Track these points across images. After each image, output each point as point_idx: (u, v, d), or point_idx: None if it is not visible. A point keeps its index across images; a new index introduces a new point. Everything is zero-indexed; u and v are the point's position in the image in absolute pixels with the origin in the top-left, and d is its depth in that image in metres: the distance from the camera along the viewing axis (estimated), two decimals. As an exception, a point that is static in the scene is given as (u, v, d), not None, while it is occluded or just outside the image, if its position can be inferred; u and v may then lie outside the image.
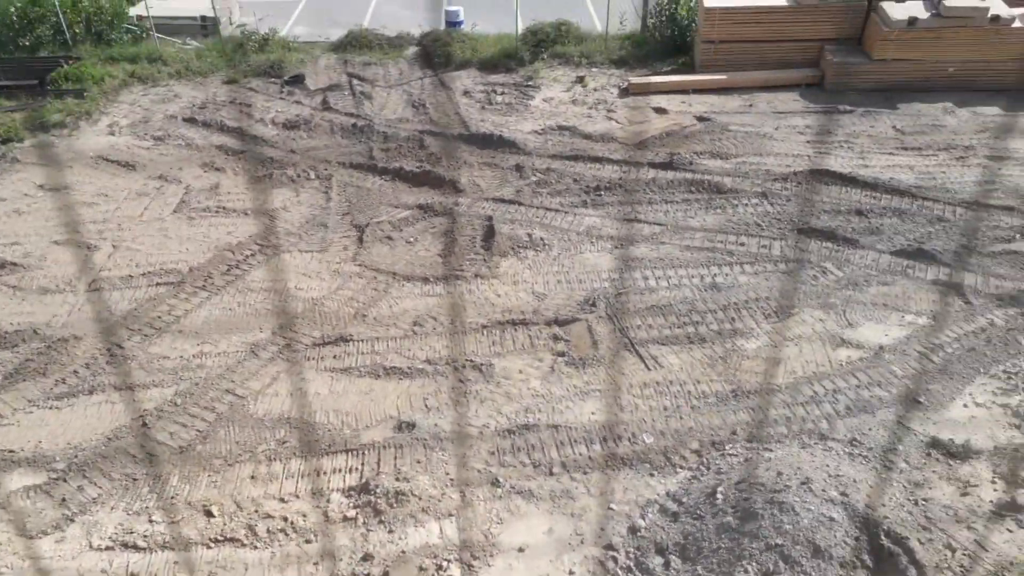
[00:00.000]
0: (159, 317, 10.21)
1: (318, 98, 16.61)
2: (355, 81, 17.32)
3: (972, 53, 15.74)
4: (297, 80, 17.32)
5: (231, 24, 20.71)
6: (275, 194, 13.21)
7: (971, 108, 15.32)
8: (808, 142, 14.31)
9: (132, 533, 7.21)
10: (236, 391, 8.99)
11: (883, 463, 7.81)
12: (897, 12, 15.64)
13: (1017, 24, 15.45)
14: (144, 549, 7.06)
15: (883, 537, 6.77)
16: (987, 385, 8.79)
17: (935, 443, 8.04)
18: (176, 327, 10.08)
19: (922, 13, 15.59)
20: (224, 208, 12.83)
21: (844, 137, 14.46)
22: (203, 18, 20.02)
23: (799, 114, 15.47)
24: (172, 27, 19.82)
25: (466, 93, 16.76)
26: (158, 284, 10.88)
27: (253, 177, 13.76)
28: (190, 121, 15.67)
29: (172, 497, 7.60)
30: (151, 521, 7.33)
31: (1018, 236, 11.35)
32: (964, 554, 6.78)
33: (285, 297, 10.66)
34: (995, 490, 7.49)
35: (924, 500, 7.35)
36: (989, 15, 15.31)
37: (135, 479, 7.84)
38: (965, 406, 8.53)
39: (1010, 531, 7.05)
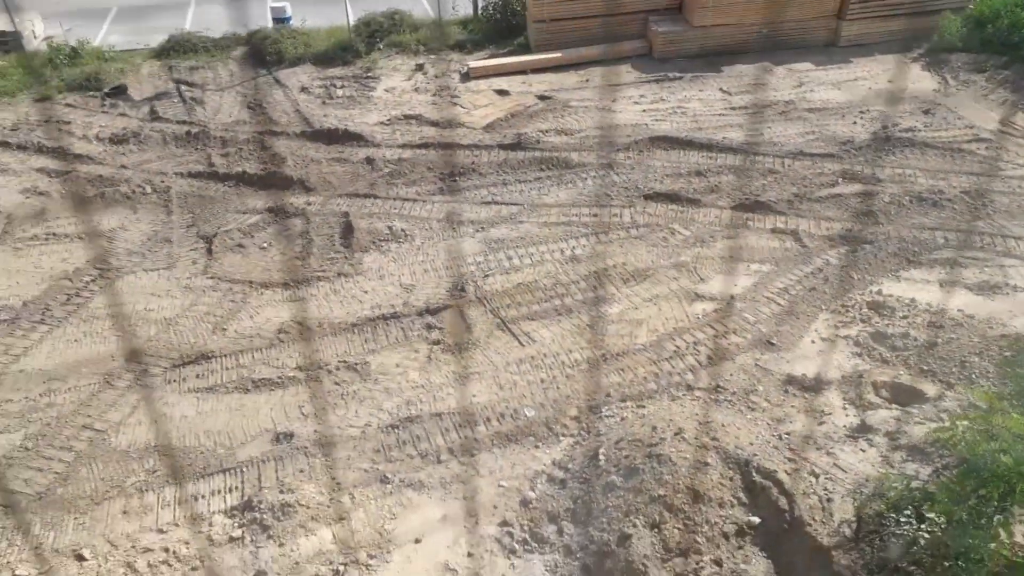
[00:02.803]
0: (-6, 359, 9.39)
1: (145, 108, 15.66)
2: (183, 87, 16.45)
3: (780, 14, 16.89)
4: (119, 91, 16.24)
5: (35, 38, 19.10)
6: (110, 213, 12.38)
7: (786, 65, 16.45)
8: (644, 111, 14.91)
9: (-6, 594, 6.65)
10: (94, 426, 8.41)
11: (747, 405, 8.33)
12: (711, -19, 16.50)
13: (817, -14, 16.72)
14: (10, 609, 6.54)
15: (754, 473, 7.23)
16: (829, 320, 9.54)
17: (790, 380, 8.66)
18: (16, 367, 9.29)
19: (734, -19, 16.53)
20: (54, 234, 11.91)
21: (676, 103, 15.16)
22: (1, 34, 18.33)
23: (633, 85, 16.07)
24: (-35, 45, 18.07)
25: (304, 89, 16.30)
26: (-12, 324, 9.99)
27: (83, 198, 12.83)
28: (2, 145, 14.38)
29: (36, 547, 7.04)
30: (15, 575, 6.78)
31: (840, 180, 12.34)
32: (826, 478, 7.36)
33: (135, 321, 10.05)
34: (846, 415, 8.16)
35: (786, 434, 7.90)
36: (793, -21, 16.46)
37: (-10, 536, 7.21)
38: (812, 342, 9.22)
39: (863, 451, 7.71)
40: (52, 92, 16.20)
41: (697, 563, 6.54)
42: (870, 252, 10.62)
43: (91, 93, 16.19)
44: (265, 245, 11.57)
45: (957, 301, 9.61)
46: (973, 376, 8.38)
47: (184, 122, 15.01)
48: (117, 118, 15.32)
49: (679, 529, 6.72)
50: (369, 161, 13.46)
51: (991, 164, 12.57)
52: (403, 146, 13.91)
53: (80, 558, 6.92)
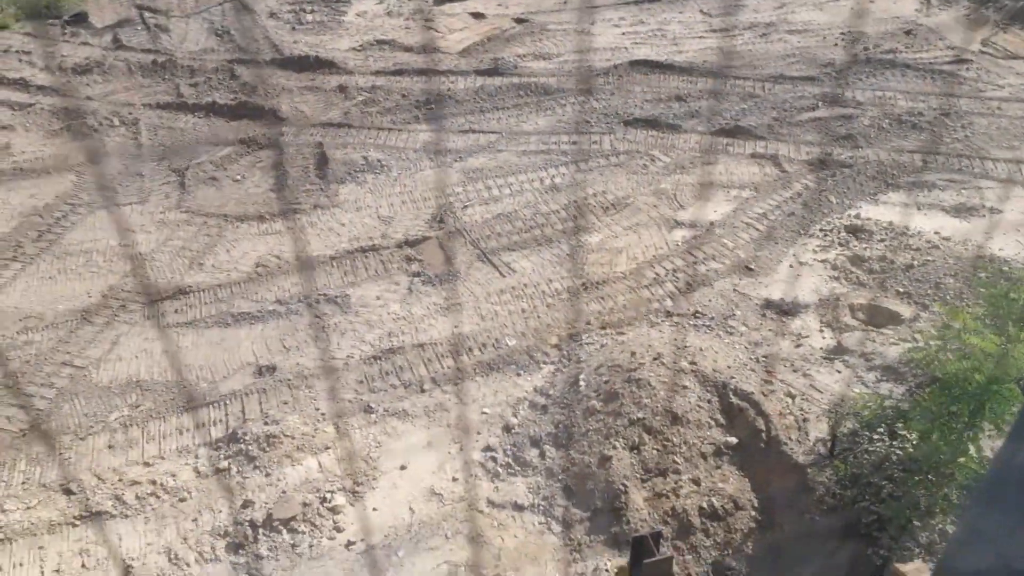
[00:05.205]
0: (-33, 298, 9.25)
1: (107, 36, 15.10)
2: (147, 14, 15.85)
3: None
4: (79, 19, 15.61)
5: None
6: (78, 147, 12.06)
7: (768, -13, 16.11)
8: (623, 34, 14.61)
9: (-17, 529, 6.69)
10: (74, 362, 8.37)
11: (725, 329, 8.43)
12: None
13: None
14: (1, 540, 6.58)
15: (732, 396, 7.36)
16: (808, 244, 9.59)
17: (768, 304, 8.75)
18: (-10, 305, 9.18)
19: None
20: (21, 169, 11.60)
21: (656, 26, 14.86)
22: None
23: (612, 7, 15.70)
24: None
25: (272, 15, 15.78)
26: (-42, 262, 9.81)
27: (48, 131, 12.47)
28: (-40, 76, 13.87)
29: (23, 483, 7.08)
30: (3, 511, 6.81)
31: (820, 104, 12.24)
32: (802, 398, 7.51)
33: (110, 257, 9.91)
34: (823, 338, 8.29)
35: (764, 357, 8.03)
36: None
37: (-25, 473, 7.23)
38: (791, 266, 9.29)
39: (838, 372, 7.86)
40: (9, 21, 15.56)
41: (676, 482, 6.71)
42: (849, 176, 10.62)
43: (50, 21, 15.56)
44: (239, 178, 11.36)
45: (934, 223, 9.68)
46: (948, 297, 8.51)
47: (149, 51, 14.51)
48: (79, 47, 14.77)
49: (658, 450, 6.87)
50: (342, 89, 13.14)
51: (971, 85, 12.51)
52: (376, 73, 13.58)
53: (68, 492, 6.97)
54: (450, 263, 9.63)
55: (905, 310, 8.46)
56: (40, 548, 6.52)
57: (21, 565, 6.41)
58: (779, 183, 10.63)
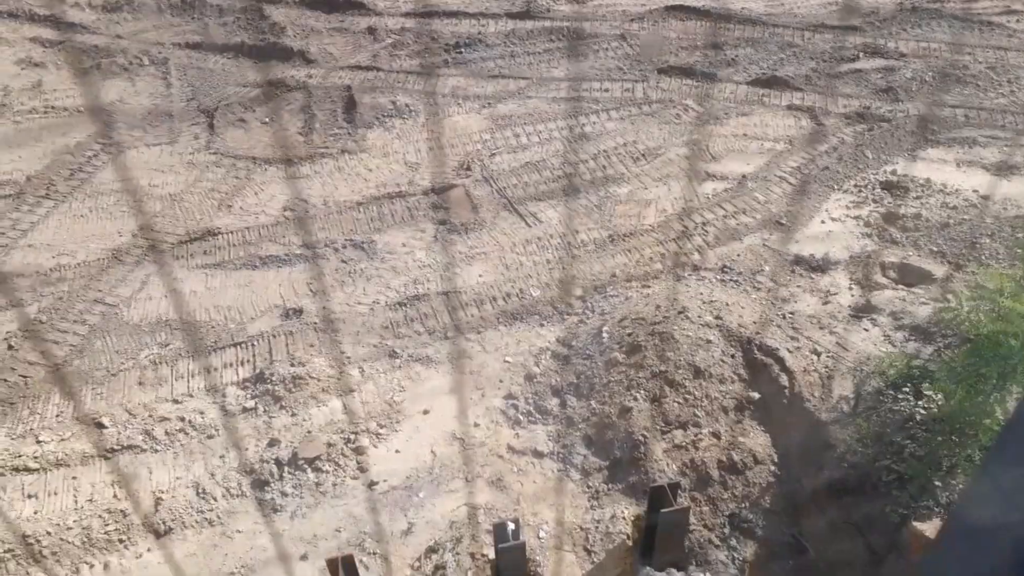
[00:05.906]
0: (2, 233, 9.40)
1: (138, -27, 14.99)
2: (177, -49, 15.68)
3: None
4: (110, -46, 15.50)
5: None
6: (108, 86, 12.08)
7: (812, -69, 15.53)
8: (661, -21, 14.21)
9: (20, 456, 6.91)
10: (105, 300, 8.52)
11: (752, 285, 8.34)
12: None
13: None
14: (37, 470, 6.81)
15: (756, 351, 7.31)
16: (841, 200, 9.41)
17: (798, 260, 8.63)
18: (25, 242, 9.33)
19: None
20: (53, 107, 11.67)
21: (695, -29, 14.42)
22: None
23: (650, -50, 15.24)
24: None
25: (303, -45, 15.53)
26: (-7, 198, 9.95)
27: (79, 70, 12.49)
28: (-7, 12, 13.90)
29: (57, 415, 7.28)
30: (39, 442, 7.03)
31: (861, 55, 11.87)
32: (828, 356, 7.45)
33: (140, 196, 10.00)
34: (852, 295, 8.17)
35: (791, 313, 7.94)
36: None
37: (12, 403, 7.43)
38: (823, 222, 9.13)
39: (866, 330, 7.76)
40: (40, -44, 15.50)
41: (696, 435, 6.73)
42: (887, 131, 10.35)
43: (81, -43, 15.47)
44: (267, 120, 11.34)
45: (973, 181, 9.43)
46: (983, 257, 8.34)
47: (179, -11, 14.40)
48: (110, -16, 14.69)
49: (679, 403, 6.88)
50: (371, 31, 12.98)
51: (1020, 38, 12.05)
52: (406, 15, 13.38)
53: (100, 426, 7.16)
54: (476, 211, 9.59)
55: (938, 270, 8.30)
56: (74, 479, 6.73)
57: (55, 494, 6.63)
58: (815, 136, 10.40)
